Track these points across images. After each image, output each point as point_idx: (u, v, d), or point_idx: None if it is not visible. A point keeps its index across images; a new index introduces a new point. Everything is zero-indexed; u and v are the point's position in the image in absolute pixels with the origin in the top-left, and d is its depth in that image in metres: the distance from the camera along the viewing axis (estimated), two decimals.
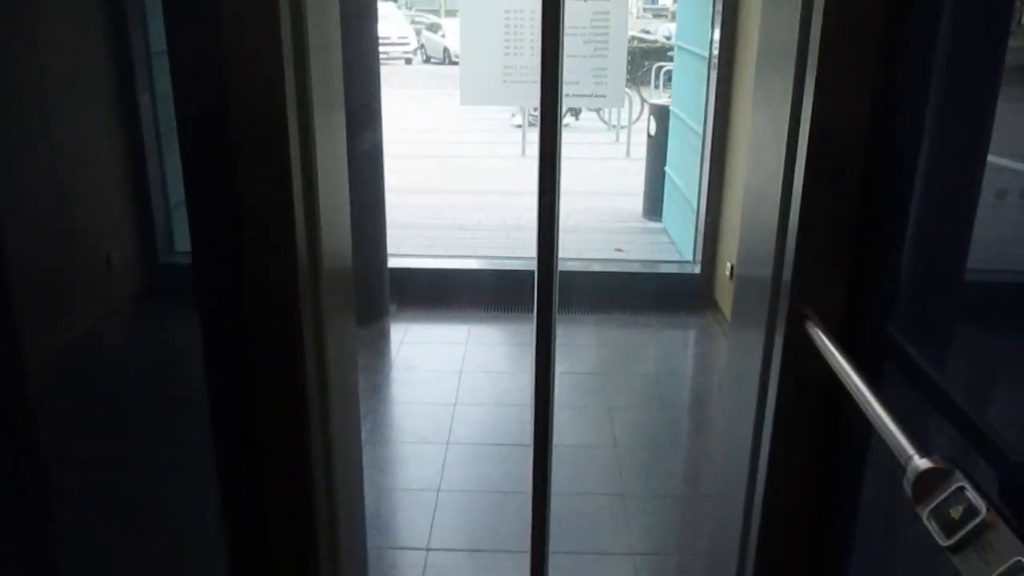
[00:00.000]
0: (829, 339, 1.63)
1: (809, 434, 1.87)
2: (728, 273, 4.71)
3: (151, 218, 1.64)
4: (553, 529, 2.93)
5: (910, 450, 1.22)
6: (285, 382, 1.90)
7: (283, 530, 2.05)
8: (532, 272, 1.96)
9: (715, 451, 3.46)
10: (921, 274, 1.60)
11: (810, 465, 1.91)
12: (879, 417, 1.35)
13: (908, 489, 1.17)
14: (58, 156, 1.35)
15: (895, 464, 1.24)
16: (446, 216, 7.15)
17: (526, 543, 2.24)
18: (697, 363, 4.55)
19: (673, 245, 6.21)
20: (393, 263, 5.01)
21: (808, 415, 1.85)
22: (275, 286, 1.82)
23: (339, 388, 2.12)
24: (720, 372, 4.28)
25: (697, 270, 5.22)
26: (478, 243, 6.45)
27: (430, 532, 2.94)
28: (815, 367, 1.71)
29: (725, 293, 4.86)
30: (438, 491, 3.19)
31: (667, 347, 4.68)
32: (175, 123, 1.55)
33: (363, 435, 3.53)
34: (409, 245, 6.07)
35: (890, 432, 1.29)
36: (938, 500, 1.11)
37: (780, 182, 1.75)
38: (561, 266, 5.54)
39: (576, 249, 6.15)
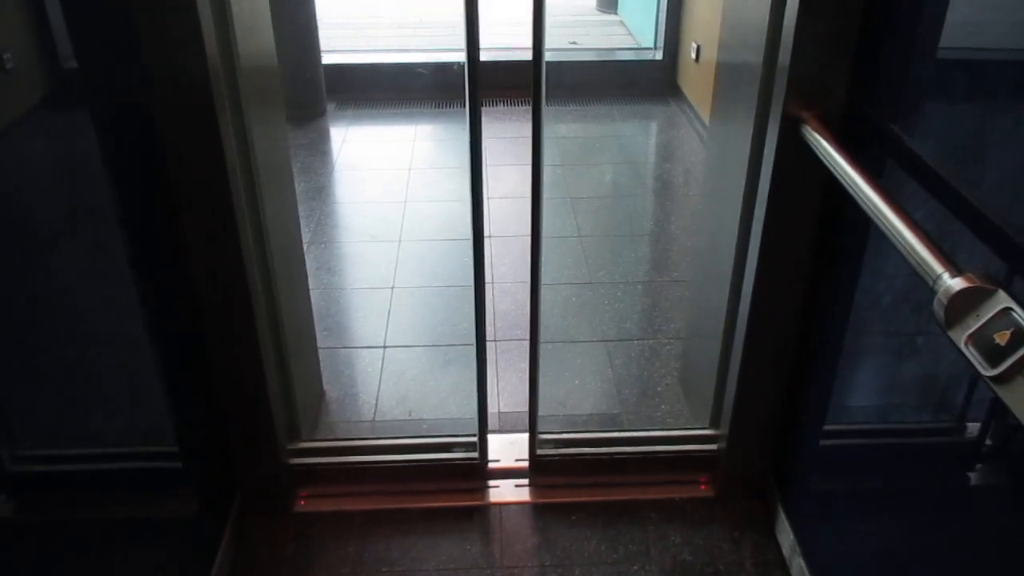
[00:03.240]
0: (832, 146, 1.45)
1: (800, 230, 1.72)
2: (694, 56, 4.35)
3: (45, 16, 1.39)
4: (521, 319, 2.75)
5: (939, 268, 1.05)
6: (207, 183, 1.62)
7: (220, 336, 1.83)
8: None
9: (695, 241, 3.26)
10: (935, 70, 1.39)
11: (800, 265, 1.76)
12: (904, 237, 1.16)
13: (940, 312, 1.02)
14: None
15: (901, 265, 1.09)
16: (384, 14, 6.56)
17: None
18: (662, 151, 4.27)
19: (631, 36, 5.79)
20: (328, 59, 4.55)
21: (800, 212, 1.69)
22: (184, 85, 1.52)
23: (270, 187, 1.86)
24: (688, 160, 4.02)
25: (659, 56, 4.85)
26: (421, 40, 5.93)
27: (386, 329, 2.73)
28: (811, 167, 1.52)
29: (690, 78, 4.52)
30: (392, 288, 2.95)
31: (629, 136, 4.38)
32: None
33: (307, 237, 3.24)
34: (346, 45, 5.55)
35: (916, 251, 1.12)
36: (979, 324, 0.96)
37: None
38: (510, 57, 5.05)
39: (525, 43, 5.68)
